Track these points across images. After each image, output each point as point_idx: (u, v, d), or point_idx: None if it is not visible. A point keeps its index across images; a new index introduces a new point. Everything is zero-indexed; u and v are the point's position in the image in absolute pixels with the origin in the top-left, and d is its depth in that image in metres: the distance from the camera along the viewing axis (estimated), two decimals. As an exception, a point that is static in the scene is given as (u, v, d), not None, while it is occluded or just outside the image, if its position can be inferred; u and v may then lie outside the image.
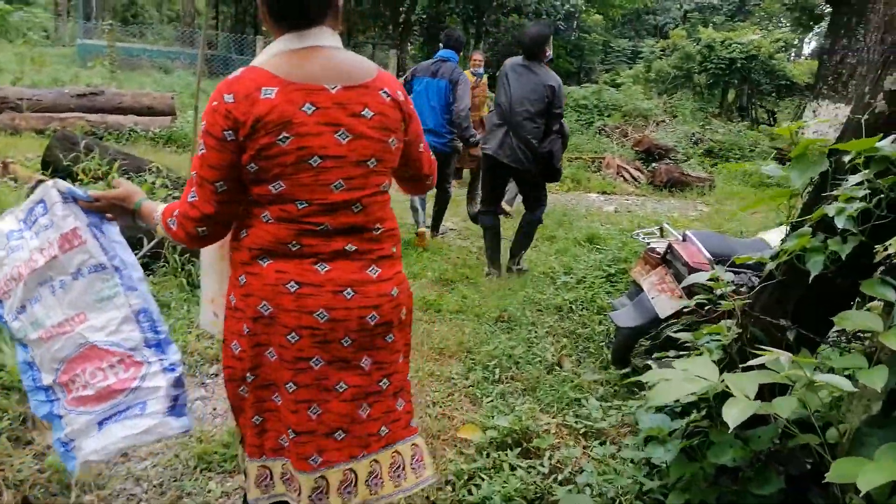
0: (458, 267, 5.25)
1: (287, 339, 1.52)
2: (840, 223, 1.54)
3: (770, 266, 1.62)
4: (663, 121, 13.63)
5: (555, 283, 5.03)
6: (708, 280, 1.72)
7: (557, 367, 3.63)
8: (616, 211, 8.49)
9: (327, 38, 1.54)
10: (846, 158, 1.71)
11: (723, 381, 1.41)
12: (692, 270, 3.18)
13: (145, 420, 1.67)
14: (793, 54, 25.15)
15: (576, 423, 3.00)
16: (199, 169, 1.49)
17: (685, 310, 3.37)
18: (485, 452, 2.66)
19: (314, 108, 1.46)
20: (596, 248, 6.02)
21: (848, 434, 1.30)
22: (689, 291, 3.25)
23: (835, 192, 1.68)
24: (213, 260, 1.73)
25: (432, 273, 5.04)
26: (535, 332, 4.08)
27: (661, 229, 4.03)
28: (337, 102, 1.48)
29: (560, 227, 7.01)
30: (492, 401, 3.16)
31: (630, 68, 21.16)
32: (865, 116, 1.71)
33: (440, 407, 3.15)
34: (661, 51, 20.23)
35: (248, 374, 1.58)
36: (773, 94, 19.07)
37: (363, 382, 1.59)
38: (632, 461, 2.32)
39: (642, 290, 3.75)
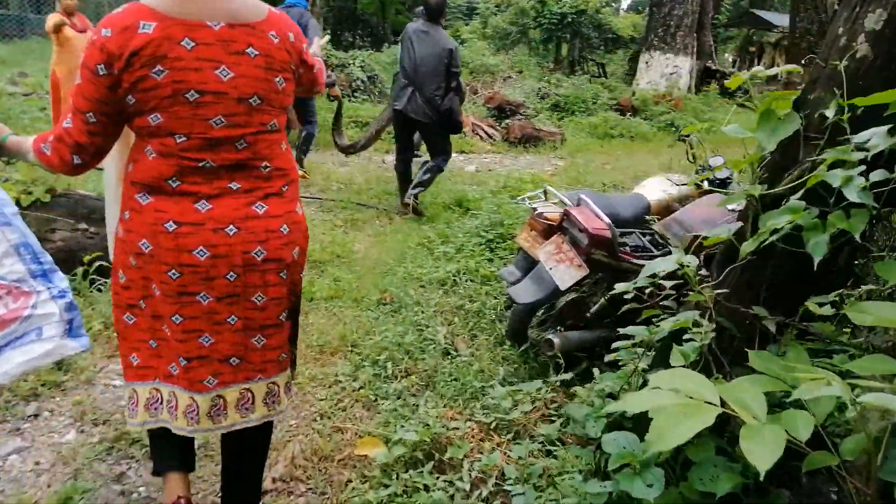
0: (325, 245, 4.73)
1: (168, 276, 1.57)
2: (851, 194, 1.28)
3: (748, 246, 1.35)
4: (510, 76, 13.65)
5: (433, 253, 4.68)
6: (675, 267, 1.42)
7: (453, 351, 3.30)
8: (477, 170, 8.30)
9: None
10: (829, 113, 1.46)
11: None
12: (592, 237, 2.96)
13: (44, 344, 1.76)
14: (616, 9, 26.50)
15: (485, 416, 2.68)
16: (75, 98, 1.53)
17: (586, 280, 3.18)
18: (392, 473, 2.27)
19: (194, 44, 1.48)
20: (468, 212, 5.76)
21: (876, 451, 1.06)
22: (589, 259, 3.04)
23: (822, 156, 1.42)
24: (114, 193, 1.77)
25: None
26: (423, 312, 3.72)
27: (546, 192, 3.79)
28: (220, 39, 1.51)
29: (426, 191, 6.65)
30: (389, 404, 2.76)
31: (467, 24, 21.09)
32: (844, 63, 1.46)
33: (330, 419, 2.69)
34: (496, 6, 20.31)
35: (139, 302, 1.67)
36: (602, 48, 19.96)
37: (256, 316, 1.65)
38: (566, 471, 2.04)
39: (530, 256, 3.51)
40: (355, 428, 2.62)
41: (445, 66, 5.37)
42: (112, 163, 1.77)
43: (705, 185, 4.16)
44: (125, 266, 1.65)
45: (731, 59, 25.06)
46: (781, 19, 19.51)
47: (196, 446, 2.10)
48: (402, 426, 2.52)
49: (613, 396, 2.20)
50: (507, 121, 10.64)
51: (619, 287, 1.76)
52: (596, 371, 2.54)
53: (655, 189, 4.22)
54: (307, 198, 6.18)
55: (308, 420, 2.68)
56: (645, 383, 1.74)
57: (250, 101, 1.55)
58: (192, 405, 1.66)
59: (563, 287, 3.01)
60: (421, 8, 5.73)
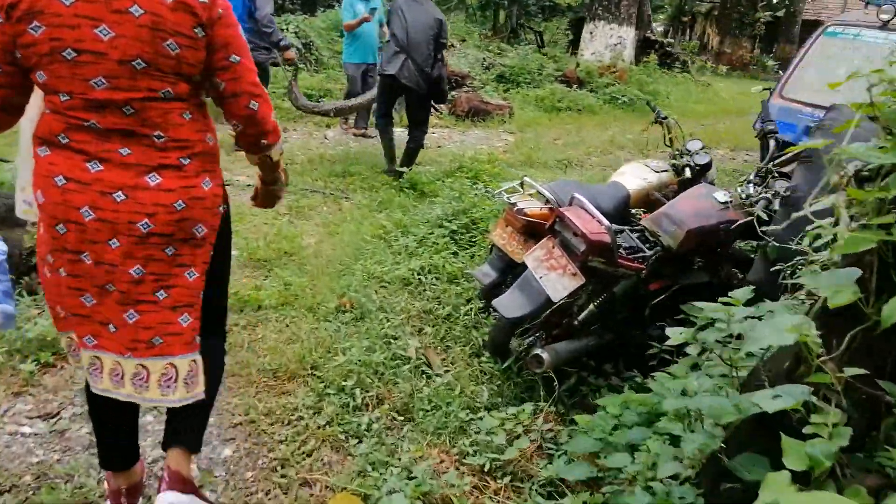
0: (269, 240, 4.21)
1: (56, 230, 1.57)
2: None
3: (893, 313, 0.99)
4: (452, 45, 13.09)
5: (391, 247, 4.25)
6: (788, 341, 1.06)
7: (429, 370, 2.91)
8: (427, 147, 7.83)
9: None
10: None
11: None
12: (590, 243, 2.60)
13: None
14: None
15: (477, 455, 2.32)
16: None
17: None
18: (380, 547, 1.87)
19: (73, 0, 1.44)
20: (424, 197, 5.32)
21: None
22: (584, 266, 2.69)
23: None
24: (27, 148, 1.69)
25: (238, 252, 3.93)
26: (388, 320, 3.30)
27: (522, 183, 3.41)
28: None
29: (374, 171, 6.17)
30: (363, 446, 2.35)
31: (404, -12, 20.18)
32: None
33: (293, 467, 2.26)
34: (432, -30, 19.51)
35: (48, 256, 1.63)
36: (540, 15, 19.57)
37: (131, 290, 1.60)
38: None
39: (506, 256, 3.14)
40: (325, 479, 2.20)
41: (434, 36, 5.50)
42: (28, 122, 1.68)
43: (687, 172, 3.91)
44: (41, 220, 1.63)
45: (662, 29, 25.18)
46: (716, -10, 19.59)
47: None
48: (384, 478, 2.12)
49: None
50: (454, 93, 10.16)
51: (674, 337, 1.40)
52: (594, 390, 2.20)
53: (634, 177, 3.90)
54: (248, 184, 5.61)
55: (267, 470, 2.25)
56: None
57: (133, 63, 1.48)
58: (96, 364, 1.69)
59: (556, 298, 2.65)
60: None
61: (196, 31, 1.53)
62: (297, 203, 5.08)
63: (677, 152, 4.12)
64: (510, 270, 3.17)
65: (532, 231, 3.05)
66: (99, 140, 1.51)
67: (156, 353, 1.65)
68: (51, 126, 1.53)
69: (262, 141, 1.72)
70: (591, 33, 13.08)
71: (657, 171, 3.95)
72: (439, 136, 8.56)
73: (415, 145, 6.06)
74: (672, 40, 19.04)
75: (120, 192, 1.52)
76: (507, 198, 3.27)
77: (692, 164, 3.96)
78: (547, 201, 3.13)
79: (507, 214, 3.20)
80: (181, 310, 1.66)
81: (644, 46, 15.18)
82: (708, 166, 3.95)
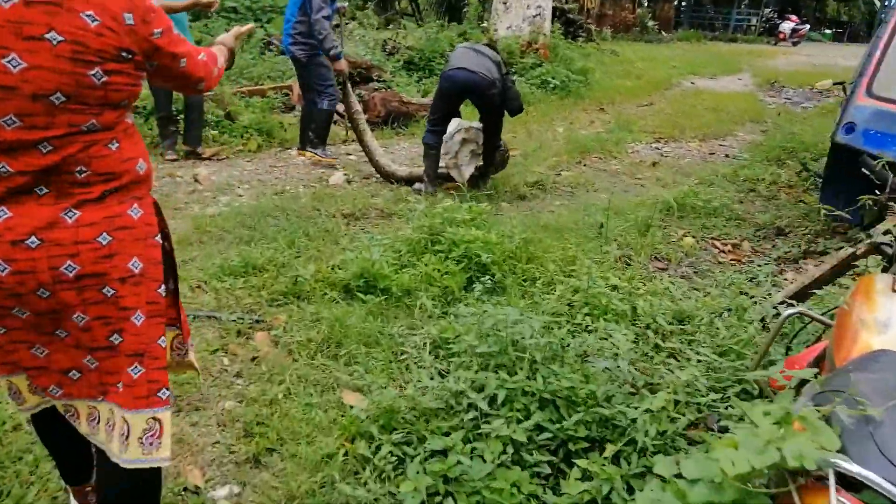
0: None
1: None
2: None
3: None
4: (337, 26, 10.69)
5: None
6: None
7: None
8: (349, 181, 5.63)
9: None
10: None
11: None
12: None
13: None
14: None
15: None
16: None
17: None
18: None
19: None
20: (388, 302, 3.23)
21: None
22: None
23: None
24: None
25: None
26: None
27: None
28: (9, 20, 1.25)
29: (277, 235, 3.97)
30: None
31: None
32: None
33: None
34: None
35: None
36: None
37: (82, 338, 1.49)
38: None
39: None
40: None
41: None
42: None
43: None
44: None
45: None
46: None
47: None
48: None
49: None
50: (360, 91, 7.93)
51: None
52: None
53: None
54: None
55: None
56: None
57: (51, 98, 1.31)
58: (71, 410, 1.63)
59: None
60: None
61: (126, 54, 1.39)
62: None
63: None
64: None
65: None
66: (8, 184, 1.34)
67: (118, 403, 1.53)
68: None
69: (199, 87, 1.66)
70: (504, 3, 11.16)
71: None
72: (357, 158, 6.36)
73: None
74: (573, 6, 17.55)
75: (33, 238, 1.36)
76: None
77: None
78: None
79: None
80: (135, 359, 1.51)
81: (553, 17, 13.53)
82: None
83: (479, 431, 2.11)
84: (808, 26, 27.35)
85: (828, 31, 31.05)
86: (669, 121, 8.77)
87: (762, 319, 3.16)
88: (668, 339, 2.94)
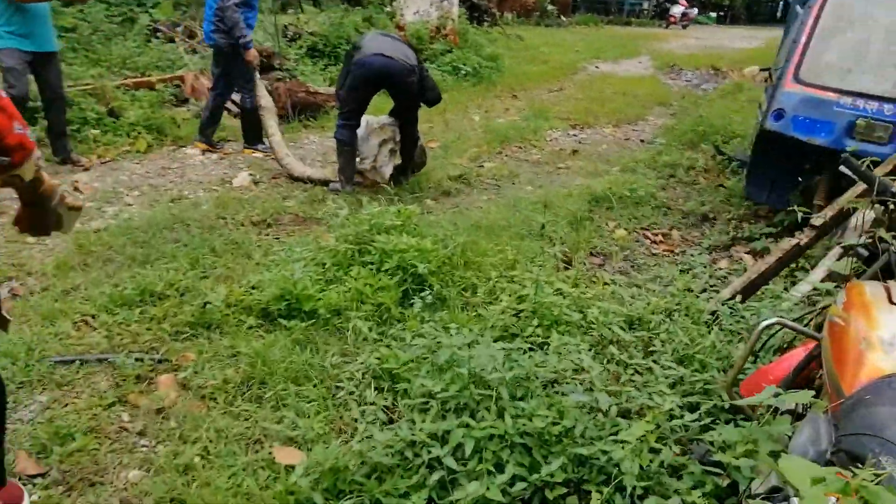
0: None
1: None
2: None
3: None
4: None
5: None
6: None
7: None
8: (255, 181, 5.11)
9: None
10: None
11: None
12: None
13: None
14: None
15: None
16: None
17: None
18: None
19: None
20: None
21: None
22: None
23: None
24: None
25: None
26: None
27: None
28: None
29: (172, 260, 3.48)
30: None
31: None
32: None
33: None
34: None
35: None
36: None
37: None
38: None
39: None
40: None
41: None
42: None
43: None
44: None
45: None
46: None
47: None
48: None
49: None
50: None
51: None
52: None
53: None
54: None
55: None
56: None
57: None
58: None
59: None
60: None
61: None
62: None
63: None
64: None
65: None
66: None
67: None
68: None
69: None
70: (408, -13, 10.73)
71: None
72: (259, 157, 5.81)
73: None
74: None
75: None
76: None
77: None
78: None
79: None
80: None
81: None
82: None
83: (449, 498, 1.78)
84: (696, 10, 28.55)
85: (712, 14, 32.57)
86: (582, 107, 8.71)
87: (713, 315, 3.02)
88: (626, 350, 2.72)
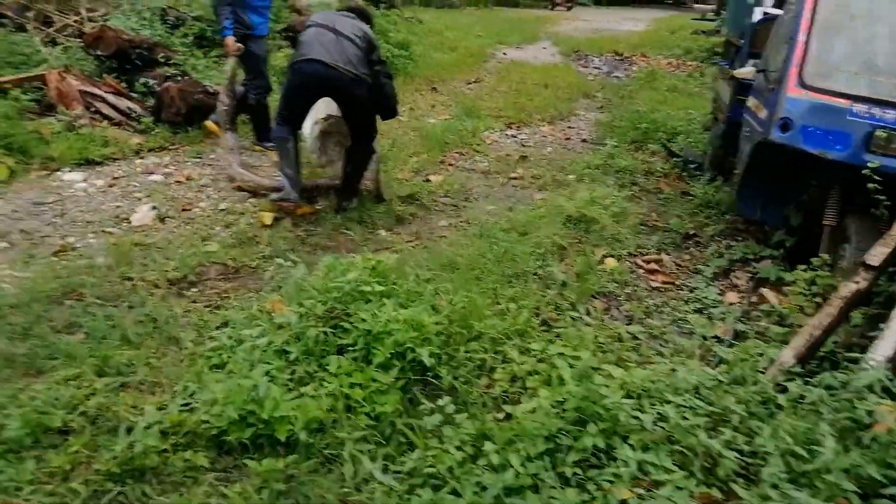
0: None
1: None
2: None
3: None
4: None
5: None
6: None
7: None
8: (154, 218, 4.05)
9: None
10: None
11: None
12: None
13: None
14: None
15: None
16: None
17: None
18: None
19: None
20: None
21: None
22: None
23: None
24: None
25: None
26: None
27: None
28: None
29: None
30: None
31: None
32: None
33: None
34: None
35: None
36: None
37: None
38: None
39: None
40: None
41: None
42: None
43: None
44: None
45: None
46: None
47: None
48: None
49: None
50: (147, 79, 6.09)
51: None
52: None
53: None
54: None
55: None
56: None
57: None
58: None
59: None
60: None
61: None
62: None
63: None
64: None
65: None
66: None
67: None
68: None
69: None
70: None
71: None
72: (160, 178, 4.72)
73: None
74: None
75: None
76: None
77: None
78: None
79: None
80: None
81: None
82: None
83: None
84: (577, -9, 28.88)
85: (592, -4, 33.18)
86: (510, 102, 8.09)
87: (782, 389, 2.47)
88: (720, 465, 2.10)
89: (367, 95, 3.91)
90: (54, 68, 5.82)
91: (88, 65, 6.15)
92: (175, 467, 2.07)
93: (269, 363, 2.46)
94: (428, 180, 5.16)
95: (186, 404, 2.33)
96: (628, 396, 2.41)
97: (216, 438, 2.18)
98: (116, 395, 2.34)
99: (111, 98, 5.72)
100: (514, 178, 5.46)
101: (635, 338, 3.13)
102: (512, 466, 2.05)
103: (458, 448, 2.16)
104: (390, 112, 4.22)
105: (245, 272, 3.49)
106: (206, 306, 3.08)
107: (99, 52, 6.23)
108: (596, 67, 12.24)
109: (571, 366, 2.57)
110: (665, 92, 9.12)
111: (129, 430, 2.18)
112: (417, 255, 3.78)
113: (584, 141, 6.85)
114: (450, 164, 5.65)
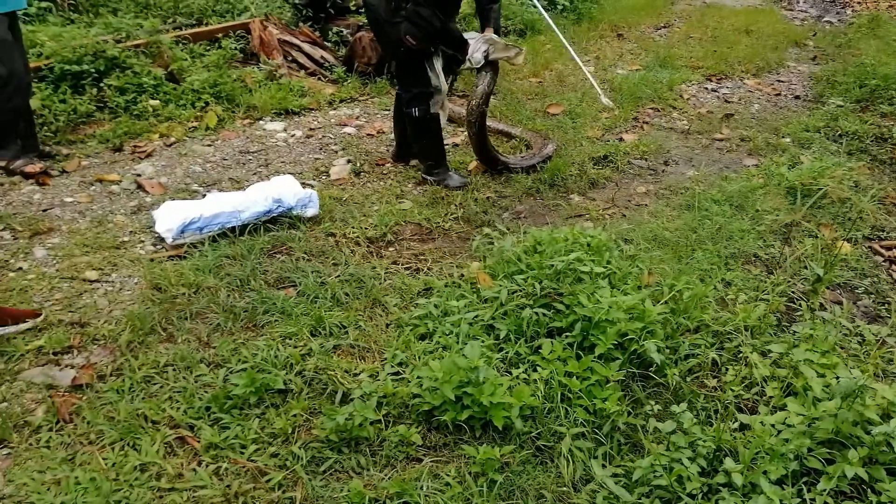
0: None
1: None
2: None
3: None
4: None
5: None
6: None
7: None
8: (350, 172, 4.07)
9: None
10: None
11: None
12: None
13: None
14: None
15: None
16: None
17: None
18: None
19: None
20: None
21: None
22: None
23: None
24: None
25: None
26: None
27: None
28: None
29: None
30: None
31: None
32: None
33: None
34: None
35: None
36: None
37: None
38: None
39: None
40: None
41: None
42: None
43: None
44: None
45: None
46: None
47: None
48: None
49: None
50: (340, 28, 6.17)
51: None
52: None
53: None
54: None
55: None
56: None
57: None
58: None
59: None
60: None
61: None
62: None
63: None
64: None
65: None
66: None
67: None
68: None
69: None
70: None
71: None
72: (356, 133, 4.75)
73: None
74: None
75: None
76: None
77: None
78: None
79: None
80: None
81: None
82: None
83: None
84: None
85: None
86: (707, 51, 7.30)
87: None
88: None
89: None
90: (256, 16, 6.05)
91: (285, 13, 6.33)
92: (390, 441, 2.03)
93: (477, 339, 2.34)
94: (621, 139, 4.78)
95: (396, 373, 2.29)
96: (886, 416, 2.03)
97: (427, 414, 2.12)
98: (330, 358, 2.35)
99: (307, 47, 5.86)
100: (719, 140, 4.90)
101: (884, 342, 2.67)
102: (763, 492, 1.78)
103: (691, 459, 1.93)
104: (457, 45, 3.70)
105: (438, 233, 3.40)
106: (405, 268, 3.04)
107: (295, 1, 6.38)
108: (802, 10, 10.78)
109: (820, 374, 2.22)
110: (894, 42, 7.79)
111: (345, 397, 2.19)
112: (617, 225, 3.49)
113: (797, 98, 6.02)
114: (644, 122, 5.20)
